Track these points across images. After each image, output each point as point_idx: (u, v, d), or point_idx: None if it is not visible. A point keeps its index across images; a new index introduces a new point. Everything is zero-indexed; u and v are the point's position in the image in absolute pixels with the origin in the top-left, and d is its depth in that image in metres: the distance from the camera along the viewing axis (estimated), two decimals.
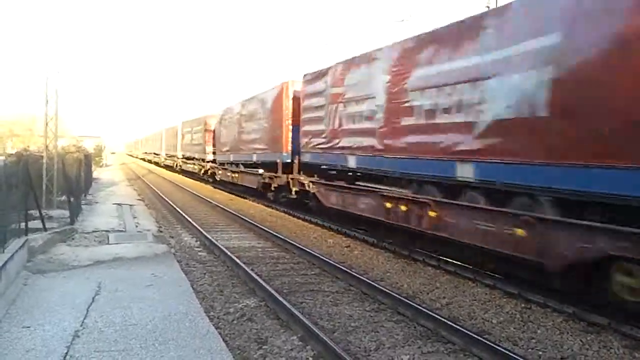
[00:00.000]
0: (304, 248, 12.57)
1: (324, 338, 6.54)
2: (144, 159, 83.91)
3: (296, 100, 19.00)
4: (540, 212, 8.35)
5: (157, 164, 65.59)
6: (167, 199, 24.33)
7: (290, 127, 19.49)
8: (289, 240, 13.57)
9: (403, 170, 12.07)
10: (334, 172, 15.76)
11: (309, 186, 17.36)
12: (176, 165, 47.97)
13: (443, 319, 7.36)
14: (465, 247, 10.07)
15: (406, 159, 11.83)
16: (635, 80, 6.90)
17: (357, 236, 14.45)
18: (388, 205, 12.33)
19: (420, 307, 7.94)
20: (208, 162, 34.69)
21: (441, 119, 10.55)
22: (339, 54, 47.96)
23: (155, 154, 67.46)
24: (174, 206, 21.41)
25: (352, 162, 14.36)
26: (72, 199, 16.76)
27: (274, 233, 14.74)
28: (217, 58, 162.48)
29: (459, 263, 10.68)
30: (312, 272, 10.75)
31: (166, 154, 55.87)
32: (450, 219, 10.24)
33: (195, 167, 38.84)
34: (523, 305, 8.44)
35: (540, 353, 6.62)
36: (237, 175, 26.88)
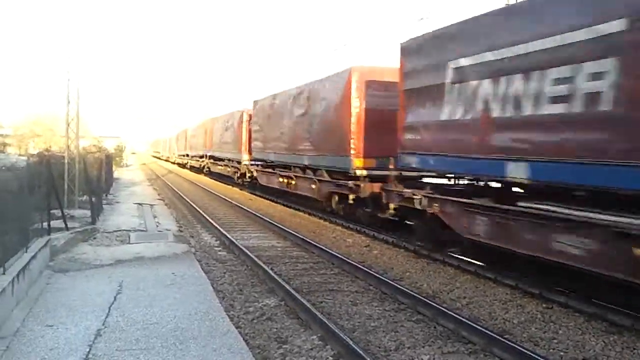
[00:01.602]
0: (323, 248, 12.57)
1: (344, 338, 6.54)
2: (182, 165, 58.02)
3: None
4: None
5: (221, 176, 36.43)
6: (186, 199, 24.46)
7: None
8: (308, 240, 13.58)
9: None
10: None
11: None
12: (335, 206, 18.31)
13: (463, 319, 7.33)
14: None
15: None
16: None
17: (376, 236, 14.42)
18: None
19: (441, 307, 7.91)
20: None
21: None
22: (357, 54, 47.86)
23: (214, 158, 38.23)
24: (194, 206, 21.52)
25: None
26: (93, 199, 16.93)
27: (293, 232, 14.77)
28: (236, 57, 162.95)
29: (479, 263, 10.63)
30: (332, 272, 10.75)
31: (274, 154, 24.93)
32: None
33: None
34: (544, 305, 8.37)
35: (562, 354, 6.57)
36: None
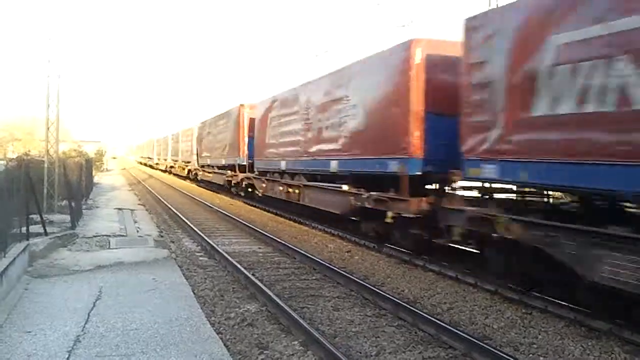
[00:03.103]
0: (305, 253, 12.57)
1: (325, 343, 6.54)
2: (221, 185, 30.73)
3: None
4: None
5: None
6: (167, 204, 24.35)
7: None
8: (289, 245, 13.57)
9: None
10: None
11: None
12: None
13: (444, 324, 7.37)
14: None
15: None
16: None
17: (357, 241, 14.46)
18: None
19: (421, 313, 7.94)
20: None
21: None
22: (339, 60, 48.04)
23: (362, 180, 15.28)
24: (175, 211, 21.42)
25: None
26: (73, 204, 16.77)
27: (275, 238, 14.74)
28: (216, 63, 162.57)
29: (460, 268, 10.69)
30: (313, 277, 10.75)
31: None
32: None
33: None
34: (524, 310, 8.45)
35: (542, 358, 6.63)
36: None
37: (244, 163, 25.68)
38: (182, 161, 46.33)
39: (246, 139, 25.78)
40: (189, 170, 42.85)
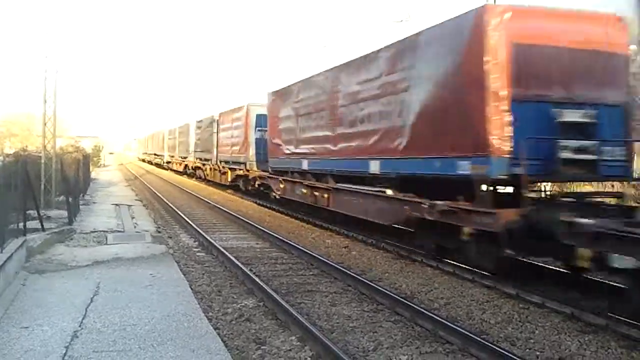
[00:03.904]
0: (302, 248, 12.57)
1: (323, 338, 6.55)
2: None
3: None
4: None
5: None
6: (165, 200, 24.31)
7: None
8: (287, 241, 13.57)
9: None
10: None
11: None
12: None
13: (441, 319, 7.38)
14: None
15: None
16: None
17: (355, 237, 14.46)
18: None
19: (419, 308, 7.95)
20: None
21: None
22: (338, 55, 47.98)
23: None
24: (172, 207, 21.39)
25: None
26: (70, 199, 16.75)
27: (272, 233, 14.74)
28: (216, 58, 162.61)
29: (457, 263, 10.70)
30: (311, 273, 10.75)
31: None
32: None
33: None
34: (521, 305, 8.45)
35: (538, 353, 6.63)
36: None
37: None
38: (221, 161, 31.80)
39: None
40: (240, 176, 28.01)
